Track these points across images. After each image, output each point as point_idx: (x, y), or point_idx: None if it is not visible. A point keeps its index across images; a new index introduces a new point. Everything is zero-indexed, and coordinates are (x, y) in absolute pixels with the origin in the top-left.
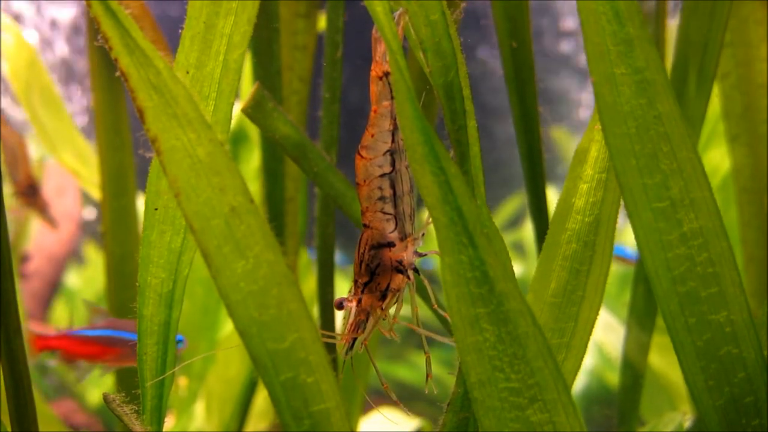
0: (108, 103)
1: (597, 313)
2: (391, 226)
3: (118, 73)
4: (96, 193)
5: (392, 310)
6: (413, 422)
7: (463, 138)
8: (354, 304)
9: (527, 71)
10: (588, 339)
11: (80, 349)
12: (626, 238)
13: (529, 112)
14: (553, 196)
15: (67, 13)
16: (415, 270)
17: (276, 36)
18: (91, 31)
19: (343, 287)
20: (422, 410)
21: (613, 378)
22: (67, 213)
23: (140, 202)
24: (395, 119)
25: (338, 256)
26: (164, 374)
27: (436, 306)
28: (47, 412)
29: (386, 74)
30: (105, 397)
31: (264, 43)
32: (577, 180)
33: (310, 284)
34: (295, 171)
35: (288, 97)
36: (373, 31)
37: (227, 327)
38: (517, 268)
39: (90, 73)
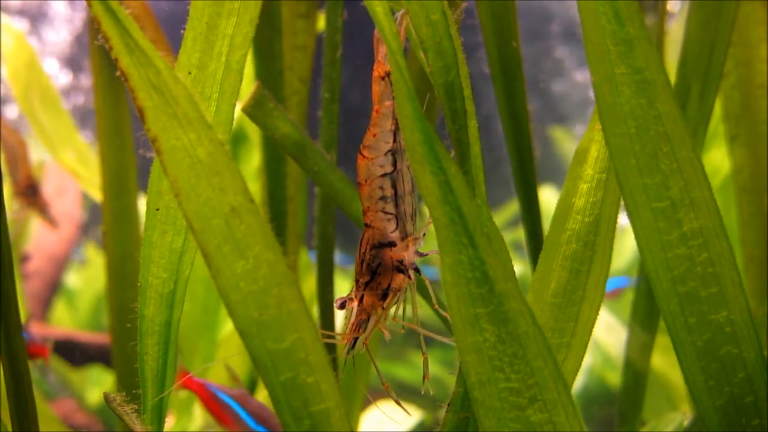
0: (109, 103)
1: (597, 313)
2: (392, 225)
3: (118, 73)
4: (96, 194)
5: (392, 310)
6: (414, 418)
7: (463, 138)
8: (355, 303)
9: (514, 69)
10: (588, 339)
11: (207, 404)
12: (626, 239)
13: (517, 111)
14: (553, 197)
15: None
16: (416, 270)
17: (278, 36)
18: (92, 31)
19: (343, 287)
20: (423, 408)
21: (614, 378)
22: (67, 213)
23: (141, 203)
24: (397, 119)
25: (338, 256)
26: (164, 374)
27: (437, 306)
28: (47, 412)
29: (388, 74)
30: (106, 397)
31: (266, 44)
32: (577, 180)
33: (310, 284)
34: (296, 171)
35: (288, 97)
36: (376, 32)
37: (227, 327)
38: (517, 268)
39: (91, 73)
